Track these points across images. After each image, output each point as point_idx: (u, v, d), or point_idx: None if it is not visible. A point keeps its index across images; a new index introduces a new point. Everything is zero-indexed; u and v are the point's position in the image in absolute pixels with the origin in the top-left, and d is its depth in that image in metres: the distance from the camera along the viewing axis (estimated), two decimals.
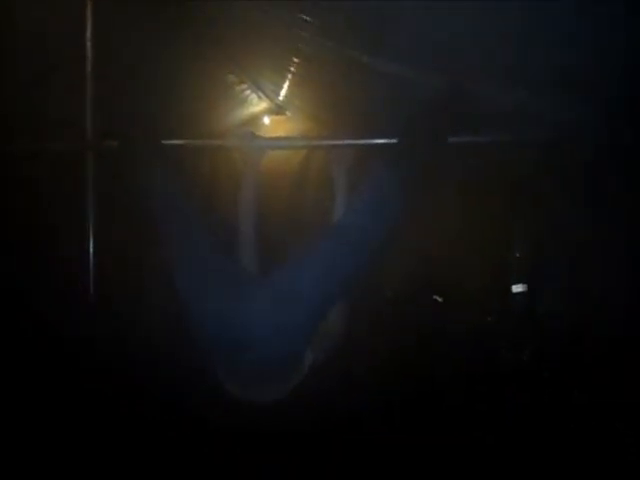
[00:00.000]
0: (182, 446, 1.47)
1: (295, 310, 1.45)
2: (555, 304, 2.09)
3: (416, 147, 1.47)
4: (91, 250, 1.74)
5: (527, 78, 1.55)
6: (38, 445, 1.58)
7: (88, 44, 1.77)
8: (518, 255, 2.60)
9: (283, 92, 3.21)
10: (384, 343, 2.22)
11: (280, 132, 3.58)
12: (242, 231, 1.67)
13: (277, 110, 3.59)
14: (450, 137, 1.52)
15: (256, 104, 3.47)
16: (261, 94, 3.34)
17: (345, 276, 1.52)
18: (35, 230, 1.97)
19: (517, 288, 2.43)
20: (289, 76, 2.88)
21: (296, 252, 1.50)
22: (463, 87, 1.55)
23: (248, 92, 3.27)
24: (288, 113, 3.60)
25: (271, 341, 1.43)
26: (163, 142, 1.69)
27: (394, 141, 1.53)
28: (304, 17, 1.92)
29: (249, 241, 1.66)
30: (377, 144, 1.59)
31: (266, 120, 3.66)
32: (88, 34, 1.77)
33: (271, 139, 2.06)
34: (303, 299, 1.46)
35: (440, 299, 2.56)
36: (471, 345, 2.16)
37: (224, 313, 1.45)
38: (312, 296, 1.48)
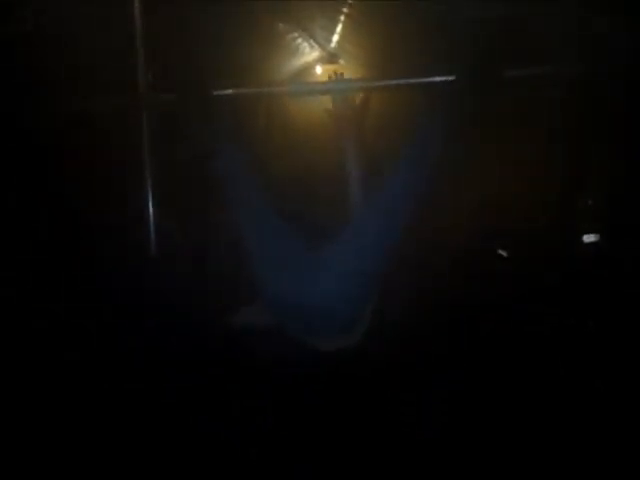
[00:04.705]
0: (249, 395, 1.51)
1: (358, 267, 1.44)
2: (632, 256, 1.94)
3: (472, 83, 1.36)
4: (150, 208, 1.78)
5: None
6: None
7: None
8: (591, 202, 2.41)
9: (335, 39, 3.08)
10: (447, 300, 2.15)
11: None
12: (300, 186, 1.66)
13: (330, 59, 3.46)
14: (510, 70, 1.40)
15: (308, 53, 3.36)
16: (312, 42, 3.23)
17: (407, 230, 1.47)
18: (91, 190, 2.02)
19: (589, 238, 2.27)
20: (341, 21, 2.76)
21: (355, 208, 1.47)
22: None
23: (299, 41, 3.17)
24: (341, 61, 3.47)
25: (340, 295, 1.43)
26: (217, 92, 1.68)
27: (451, 79, 1.42)
28: None
29: (308, 196, 1.65)
30: (434, 83, 1.49)
31: (318, 70, 3.54)
32: None
33: (326, 83, 2.01)
34: (366, 256, 1.44)
35: (505, 254, 2.43)
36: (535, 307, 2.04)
37: (285, 271, 1.46)
38: (374, 252, 1.45)
